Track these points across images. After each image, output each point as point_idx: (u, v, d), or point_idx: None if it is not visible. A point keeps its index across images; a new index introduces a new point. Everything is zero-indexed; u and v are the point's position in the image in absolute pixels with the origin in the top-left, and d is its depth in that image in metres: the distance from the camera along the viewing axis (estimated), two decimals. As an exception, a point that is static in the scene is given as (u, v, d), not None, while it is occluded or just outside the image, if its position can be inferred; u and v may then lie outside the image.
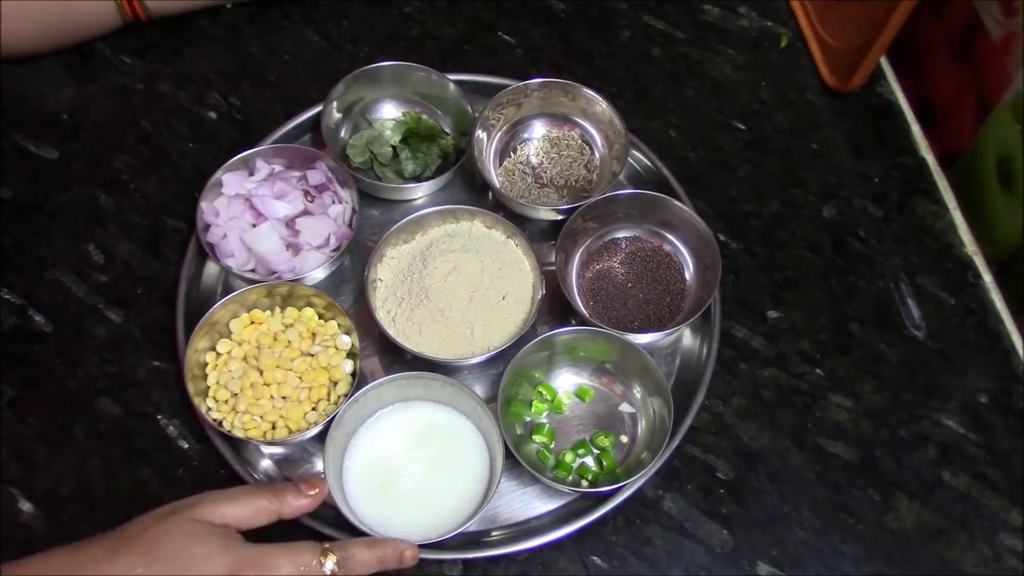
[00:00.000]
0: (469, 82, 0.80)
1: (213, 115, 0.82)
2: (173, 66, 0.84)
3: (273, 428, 0.66)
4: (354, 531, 0.62)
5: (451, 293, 0.70)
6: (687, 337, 0.74)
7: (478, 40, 0.88)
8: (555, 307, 0.74)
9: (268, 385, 0.67)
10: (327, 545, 0.55)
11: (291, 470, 0.68)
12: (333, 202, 0.75)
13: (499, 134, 0.80)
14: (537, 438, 0.68)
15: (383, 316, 0.70)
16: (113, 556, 0.51)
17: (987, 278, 0.78)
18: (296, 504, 0.58)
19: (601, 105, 0.78)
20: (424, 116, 0.80)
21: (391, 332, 0.69)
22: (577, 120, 0.80)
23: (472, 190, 0.79)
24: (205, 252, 0.72)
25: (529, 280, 0.73)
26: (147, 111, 0.82)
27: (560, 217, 0.75)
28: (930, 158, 0.83)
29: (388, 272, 0.73)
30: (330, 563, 0.54)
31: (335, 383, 0.68)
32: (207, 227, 0.73)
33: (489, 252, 0.72)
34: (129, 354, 0.72)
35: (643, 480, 0.66)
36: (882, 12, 0.76)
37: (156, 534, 0.52)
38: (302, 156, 0.76)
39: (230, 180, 0.74)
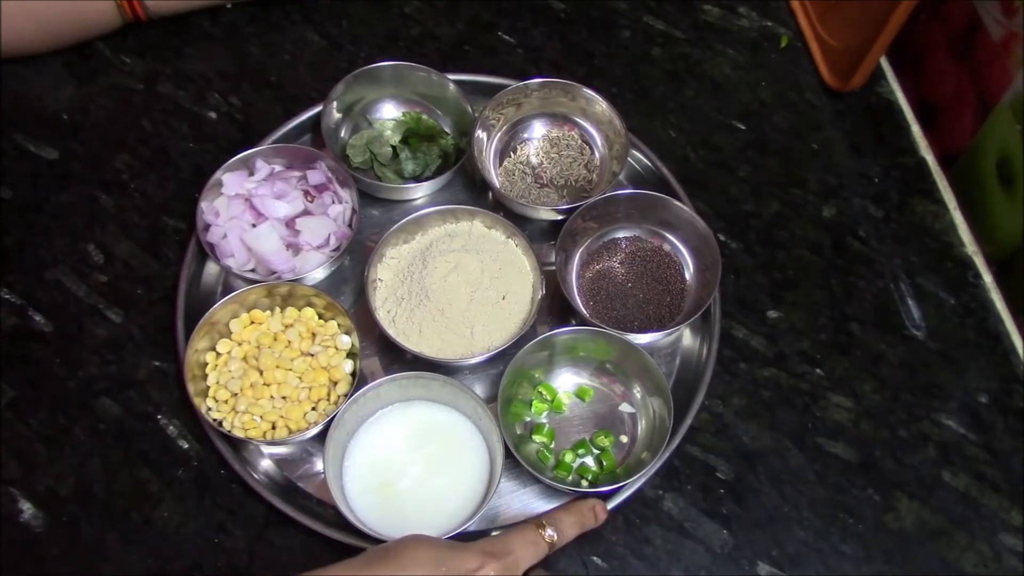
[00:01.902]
0: (469, 82, 0.80)
1: (213, 115, 0.82)
2: (173, 66, 0.85)
3: (273, 428, 0.66)
4: (354, 531, 0.62)
5: (451, 293, 0.70)
6: (687, 337, 0.74)
7: (478, 40, 0.88)
8: (555, 307, 0.74)
9: (268, 385, 0.67)
10: (540, 519, 0.60)
11: (291, 470, 0.68)
12: (333, 202, 0.75)
13: (499, 134, 0.80)
14: (537, 438, 0.68)
15: (383, 316, 0.70)
16: (363, 568, 0.54)
17: (987, 278, 0.78)
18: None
19: (601, 105, 0.78)
20: (424, 116, 0.81)
21: (391, 332, 0.69)
22: (577, 120, 0.80)
23: (472, 190, 0.80)
24: (205, 252, 0.72)
25: (529, 280, 0.73)
26: (147, 111, 0.82)
27: (560, 217, 0.75)
28: (930, 158, 0.83)
29: (388, 272, 0.73)
30: (549, 531, 0.59)
31: (335, 383, 0.68)
32: (207, 227, 0.73)
33: (489, 252, 0.72)
34: (129, 354, 0.72)
35: (643, 480, 0.66)
36: (882, 12, 0.76)
37: (395, 549, 0.55)
38: (302, 156, 0.76)
39: (230, 180, 0.74)
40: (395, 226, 0.72)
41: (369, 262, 0.71)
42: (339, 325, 0.70)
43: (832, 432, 0.71)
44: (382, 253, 0.72)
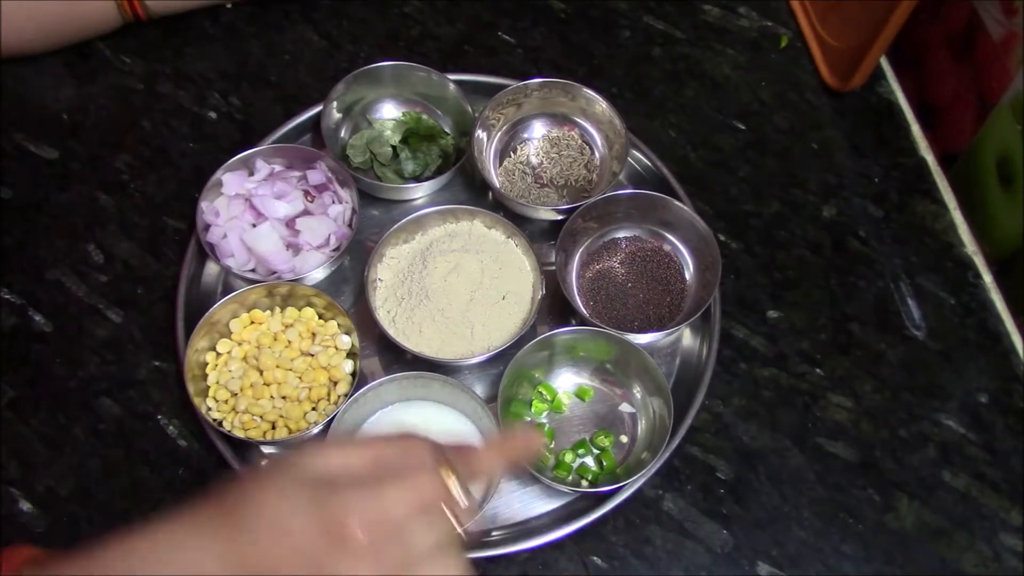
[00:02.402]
0: (469, 82, 0.80)
1: (213, 115, 0.82)
2: (173, 66, 0.84)
3: (273, 428, 0.66)
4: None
5: (451, 293, 0.70)
6: (687, 337, 0.74)
7: (478, 40, 0.88)
8: (555, 307, 0.74)
9: (268, 385, 0.67)
10: (444, 462, 0.44)
11: (291, 470, 0.68)
12: (333, 202, 0.75)
13: (499, 134, 0.80)
14: (537, 438, 0.68)
15: (383, 316, 0.70)
16: (197, 535, 0.43)
17: (987, 278, 0.78)
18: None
19: (601, 105, 0.78)
20: (424, 116, 0.80)
21: (391, 332, 0.69)
22: (577, 120, 0.80)
23: (472, 190, 0.79)
24: (205, 252, 0.72)
25: (529, 280, 0.73)
26: (147, 111, 0.82)
27: (560, 217, 0.75)
28: (930, 158, 0.83)
29: (388, 272, 0.73)
30: (454, 486, 0.44)
31: (335, 383, 0.68)
32: (207, 227, 0.73)
33: (489, 252, 0.72)
34: (129, 354, 0.71)
35: (643, 480, 0.66)
36: (882, 12, 0.76)
37: (249, 499, 0.42)
38: (302, 156, 0.76)
39: (230, 180, 0.74)
40: (395, 226, 0.72)
41: (369, 262, 0.71)
42: (339, 325, 0.70)
43: (832, 432, 0.71)
44: (382, 253, 0.72)
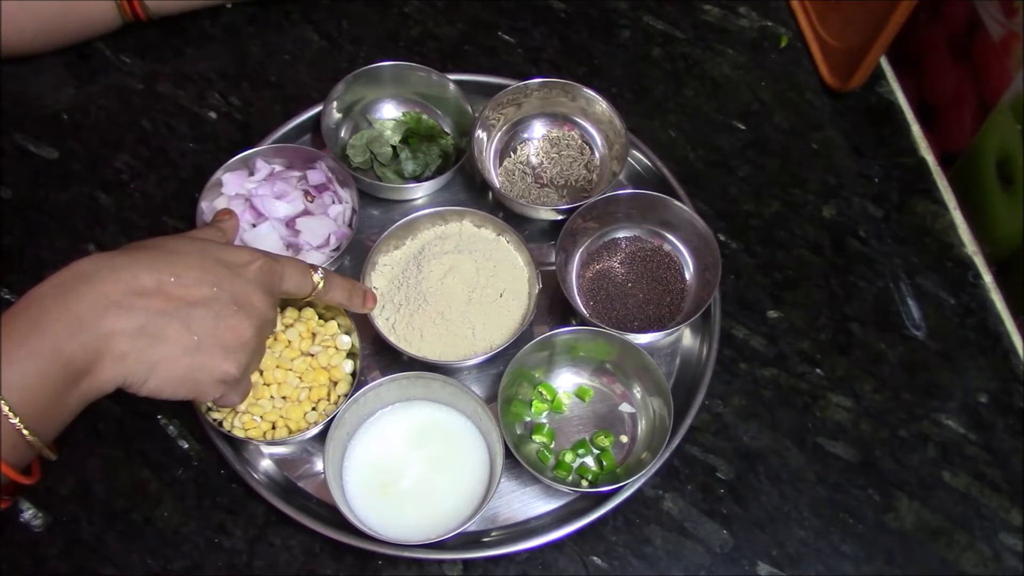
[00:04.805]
0: (469, 82, 0.80)
1: (213, 115, 0.82)
2: (173, 66, 0.85)
3: (273, 428, 0.66)
4: (354, 531, 0.62)
5: (449, 295, 0.70)
6: (687, 337, 0.74)
7: (478, 40, 0.88)
8: (555, 307, 0.74)
9: (268, 385, 0.67)
10: (311, 265, 0.63)
11: (291, 470, 0.68)
12: (333, 202, 0.75)
13: (499, 134, 0.80)
14: (537, 438, 0.68)
15: (382, 324, 0.70)
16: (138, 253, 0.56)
17: (987, 278, 0.78)
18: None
19: (601, 105, 0.78)
20: (424, 116, 0.81)
21: (392, 339, 0.69)
22: (577, 120, 0.80)
23: (472, 190, 0.80)
24: (205, 252, 0.72)
25: (524, 276, 0.73)
26: (147, 111, 0.82)
27: (560, 217, 0.75)
28: (930, 158, 0.83)
29: (382, 279, 0.73)
30: (318, 275, 0.62)
31: (335, 383, 0.68)
32: (207, 227, 0.73)
33: (482, 251, 0.72)
34: (129, 354, 0.71)
35: (643, 480, 0.66)
36: (882, 12, 0.76)
37: (160, 240, 0.58)
38: (302, 156, 0.76)
39: (230, 180, 0.74)
40: (384, 233, 0.72)
41: (362, 271, 0.71)
42: (339, 325, 0.70)
43: (832, 432, 0.71)
44: (374, 261, 0.72)
